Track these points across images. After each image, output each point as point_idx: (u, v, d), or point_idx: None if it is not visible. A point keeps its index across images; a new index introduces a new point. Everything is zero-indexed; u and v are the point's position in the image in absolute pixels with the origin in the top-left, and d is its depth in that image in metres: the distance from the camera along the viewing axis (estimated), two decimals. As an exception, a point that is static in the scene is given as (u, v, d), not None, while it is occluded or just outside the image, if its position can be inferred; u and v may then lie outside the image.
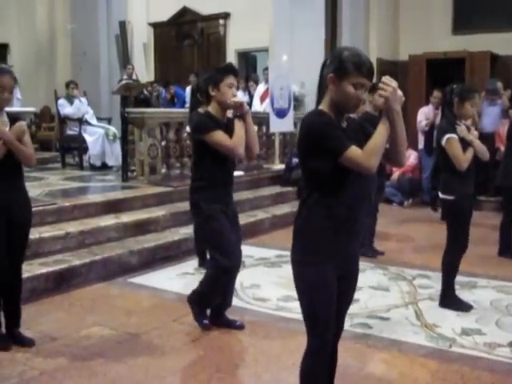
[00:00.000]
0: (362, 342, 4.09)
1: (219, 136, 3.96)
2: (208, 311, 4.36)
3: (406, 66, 12.28)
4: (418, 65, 11.98)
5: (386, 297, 5.09)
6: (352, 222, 2.56)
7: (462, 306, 4.73)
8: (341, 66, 2.46)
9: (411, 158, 9.96)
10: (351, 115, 2.69)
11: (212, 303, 4.29)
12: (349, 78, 2.45)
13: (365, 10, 12.25)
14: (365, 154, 2.39)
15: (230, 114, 4.23)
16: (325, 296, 2.55)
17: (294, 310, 4.60)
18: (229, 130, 4.04)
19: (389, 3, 12.57)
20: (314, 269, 2.52)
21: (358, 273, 2.77)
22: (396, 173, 9.78)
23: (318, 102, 2.60)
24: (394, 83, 2.43)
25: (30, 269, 4.95)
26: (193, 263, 5.97)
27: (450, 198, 4.59)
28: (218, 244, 4.10)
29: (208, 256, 4.48)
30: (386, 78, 2.45)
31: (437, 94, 9.53)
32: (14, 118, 3.93)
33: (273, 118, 9.59)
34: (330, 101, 2.52)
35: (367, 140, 2.46)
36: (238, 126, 4.07)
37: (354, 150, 2.39)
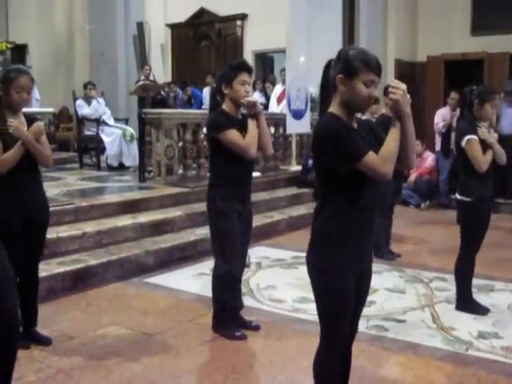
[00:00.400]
0: (377, 344, 4.08)
1: (233, 135, 3.95)
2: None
3: (424, 67, 12.22)
4: (436, 66, 11.91)
5: (402, 299, 5.07)
6: (367, 224, 2.57)
7: (479, 310, 4.69)
8: (349, 65, 2.44)
9: (428, 159, 9.90)
10: (364, 116, 2.68)
11: (228, 307, 4.23)
12: (359, 76, 2.43)
13: (382, 11, 12.21)
14: (380, 161, 2.39)
15: (244, 110, 4.20)
16: (342, 302, 2.55)
17: (310, 311, 4.60)
18: (243, 127, 4.04)
19: (407, 4, 12.51)
20: (332, 275, 2.52)
21: (372, 274, 2.76)
22: (413, 175, 9.72)
23: (323, 104, 2.58)
24: (403, 86, 2.44)
25: (48, 268, 4.99)
26: (209, 264, 5.94)
27: (468, 199, 4.56)
28: (222, 248, 4.12)
29: None
30: (394, 81, 2.45)
31: (454, 95, 9.47)
32: (31, 119, 3.96)
33: (289, 120, 9.59)
34: (340, 102, 2.50)
35: (379, 144, 2.46)
36: (252, 125, 4.05)
37: (371, 156, 2.38)
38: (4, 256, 2.67)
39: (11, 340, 2.72)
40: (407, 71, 12.04)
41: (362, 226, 2.54)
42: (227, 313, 4.22)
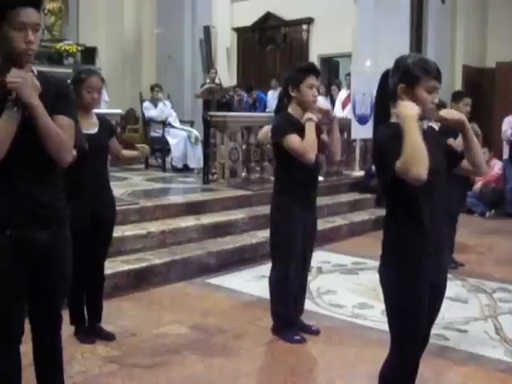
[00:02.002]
0: (438, 353, 4.01)
1: (292, 140, 3.88)
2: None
3: (492, 74, 11.96)
4: (506, 73, 11.65)
5: (465, 309, 4.98)
6: (437, 234, 2.52)
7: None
8: (409, 73, 2.43)
9: (495, 167, 9.69)
10: (431, 124, 2.66)
11: (284, 312, 4.20)
12: (421, 83, 2.41)
13: (451, 16, 12.02)
14: (405, 161, 2.27)
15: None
16: (417, 316, 2.52)
17: (370, 317, 4.60)
18: (302, 127, 3.96)
19: (476, 7, 12.28)
20: (409, 289, 2.48)
21: (447, 284, 2.72)
22: (478, 183, 9.53)
23: (378, 114, 2.58)
24: (457, 115, 2.43)
25: (113, 266, 5.11)
26: (270, 267, 5.99)
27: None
28: (281, 254, 4.12)
29: None
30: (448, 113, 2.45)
31: (524, 102, 9.25)
32: (103, 120, 4.07)
33: (354, 124, 9.54)
34: None
35: (448, 153, 2.43)
36: (309, 130, 3.91)
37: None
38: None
39: None
40: (475, 77, 11.83)
41: (431, 236, 2.49)
42: (284, 317, 4.22)
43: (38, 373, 2.74)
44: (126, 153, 4.50)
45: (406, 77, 2.43)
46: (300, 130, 3.94)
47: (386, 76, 2.54)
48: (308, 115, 3.90)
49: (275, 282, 4.20)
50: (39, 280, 2.57)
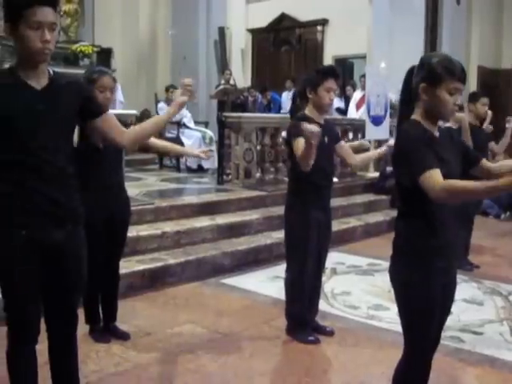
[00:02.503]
0: (453, 355, 4.00)
1: (298, 144, 3.83)
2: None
3: (508, 75, 11.90)
4: (522, 74, 11.60)
5: (480, 311, 4.96)
6: (448, 236, 2.50)
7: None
8: (432, 73, 2.38)
9: (511, 169, 9.62)
10: (449, 125, 2.64)
11: (298, 313, 4.20)
12: (443, 84, 2.37)
13: (466, 16, 11.97)
14: (442, 188, 2.23)
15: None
16: (429, 317, 2.51)
17: (385, 319, 4.58)
18: (325, 133, 3.95)
19: (492, 8, 12.22)
20: (420, 289, 2.47)
21: (456, 286, 2.70)
22: (494, 184, 9.46)
23: (402, 113, 2.54)
24: None
25: (128, 265, 5.13)
26: (284, 267, 5.99)
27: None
28: (295, 256, 4.11)
29: None
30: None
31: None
32: None
33: (369, 125, 9.51)
34: (423, 111, 2.46)
35: (464, 155, 2.41)
36: (297, 145, 3.80)
37: (434, 174, 2.26)
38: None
39: None
40: (490, 78, 11.76)
41: (443, 238, 2.47)
42: (298, 318, 4.22)
43: (54, 372, 2.76)
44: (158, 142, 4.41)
45: (429, 76, 2.39)
46: None
47: (410, 73, 2.51)
48: (308, 129, 3.80)
49: (290, 284, 4.21)
50: (55, 279, 2.59)
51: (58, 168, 2.49)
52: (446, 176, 2.27)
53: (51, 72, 2.51)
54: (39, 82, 2.45)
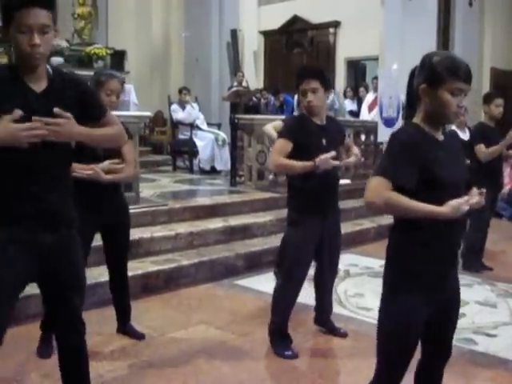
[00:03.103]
0: (466, 357, 4.00)
1: (276, 145, 3.84)
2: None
3: (522, 77, 11.86)
4: (536, 75, 11.55)
5: (494, 313, 4.95)
6: (444, 247, 2.36)
7: None
8: (433, 73, 2.24)
9: (525, 171, 9.60)
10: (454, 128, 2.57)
11: (278, 323, 4.05)
12: (444, 84, 2.22)
13: (479, 17, 11.94)
14: (384, 200, 2.19)
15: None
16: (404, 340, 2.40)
17: (398, 320, 4.56)
18: (324, 134, 3.87)
19: (504, 9, 12.18)
20: (399, 315, 2.36)
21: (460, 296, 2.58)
22: (507, 187, 9.43)
23: (407, 115, 2.42)
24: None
25: (142, 266, 5.17)
26: (297, 269, 6.02)
27: None
28: (285, 260, 4.06)
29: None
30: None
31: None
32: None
33: (381, 127, 9.52)
34: (424, 114, 2.31)
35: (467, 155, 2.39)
36: (289, 167, 3.85)
37: (385, 184, 2.19)
38: None
39: None
40: (503, 80, 11.71)
41: (434, 248, 2.33)
42: (277, 329, 4.06)
43: (63, 373, 2.77)
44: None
45: (430, 76, 2.25)
46: (311, 133, 3.86)
47: (413, 74, 2.39)
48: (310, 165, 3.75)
49: (275, 292, 4.12)
50: (51, 284, 2.59)
51: (57, 172, 2.48)
52: (446, 181, 2.22)
53: (50, 71, 2.45)
54: (38, 85, 2.40)
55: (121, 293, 4.18)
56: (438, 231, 2.28)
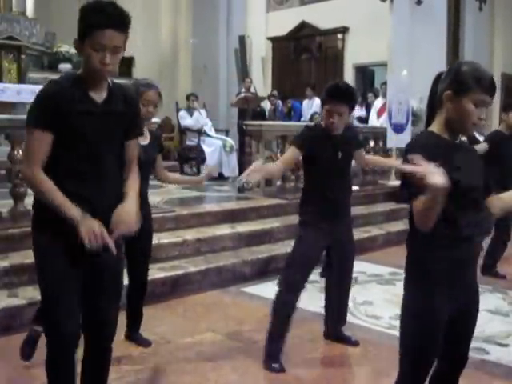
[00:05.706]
0: (478, 367, 3.92)
1: (288, 151, 3.86)
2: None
3: (532, 82, 11.79)
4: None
5: (505, 322, 4.87)
6: (462, 255, 2.37)
7: None
8: (460, 81, 2.24)
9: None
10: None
11: (271, 333, 3.93)
12: (469, 94, 2.22)
13: (489, 22, 11.89)
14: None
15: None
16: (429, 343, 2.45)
17: (408, 329, 4.50)
18: (336, 143, 3.85)
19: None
20: (424, 319, 2.41)
21: (479, 305, 2.62)
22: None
23: (428, 120, 2.41)
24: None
25: (149, 273, 5.08)
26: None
27: None
28: (286, 269, 4.01)
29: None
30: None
31: None
32: (154, 135, 4.18)
33: (390, 133, 9.49)
34: (444, 120, 2.31)
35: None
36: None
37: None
38: None
39: None
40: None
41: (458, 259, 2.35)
42: (270, 339, 3.95)
43: (85, 372, 2.76)
44: (179, 178, 4.60)
45: (456, 84, 2.26)
46: (324, 149, 3.85)
47: (438, 78, 2.39)
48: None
49: (273, 302, 4.03)
50: (93, 291, 2.63)
51: (112, 179, 2.57)
52: (459, 185, 2.17)
53: (110, 83, 2.58)
54: (100, 95, 2.53)
55: (137, 301, 4.15)
56: (460, 237, 2.31)
